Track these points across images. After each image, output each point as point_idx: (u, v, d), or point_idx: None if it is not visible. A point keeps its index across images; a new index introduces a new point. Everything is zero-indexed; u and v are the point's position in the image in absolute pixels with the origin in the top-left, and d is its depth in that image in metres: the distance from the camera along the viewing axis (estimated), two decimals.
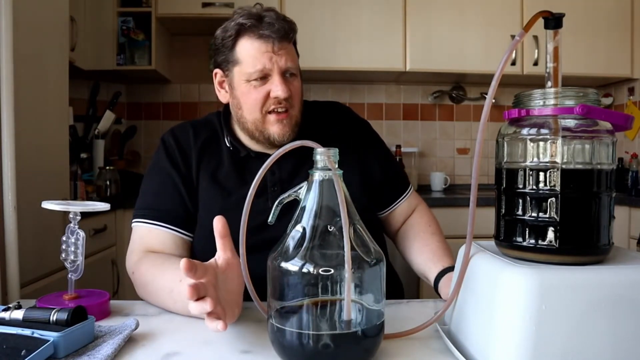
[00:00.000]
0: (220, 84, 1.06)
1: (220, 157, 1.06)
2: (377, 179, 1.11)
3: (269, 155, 1.04)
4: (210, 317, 0.62)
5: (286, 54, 0.98)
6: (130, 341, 0.73)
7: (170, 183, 1.03)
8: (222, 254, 0.70)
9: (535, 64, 2.63)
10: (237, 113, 1.03)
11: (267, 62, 0.96)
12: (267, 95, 0.98)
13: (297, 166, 1.03)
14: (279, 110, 0.99)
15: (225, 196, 1.01)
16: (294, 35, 1.00)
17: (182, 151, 1.05)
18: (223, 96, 1.06)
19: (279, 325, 0.62)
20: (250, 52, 0.97)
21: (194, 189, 1.04)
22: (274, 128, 1.00)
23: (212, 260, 0.70)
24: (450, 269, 0.98)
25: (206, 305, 0.61)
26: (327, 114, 1.15)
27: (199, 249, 1.02)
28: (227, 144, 1.06)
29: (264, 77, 0.97)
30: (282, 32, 0.96)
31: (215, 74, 1.05)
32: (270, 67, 0.96)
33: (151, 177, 1.06)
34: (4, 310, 0.71)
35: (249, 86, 0.98)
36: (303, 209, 0.65)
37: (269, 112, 0.99)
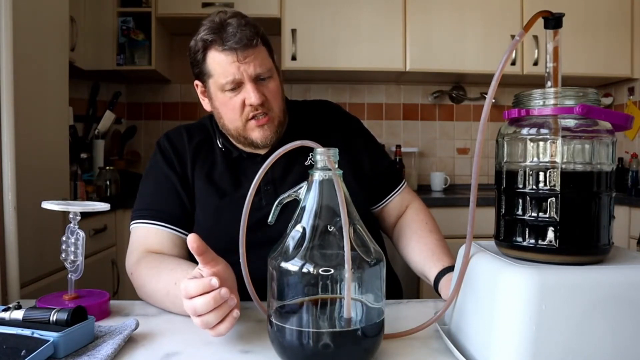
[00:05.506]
0: (202, 93, 1.07)
1: (213, 158, 1.07)
2: (367, 173, 1.12)
3: (260, 156, 1.07)
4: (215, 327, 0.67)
5: (253, 60, 0.97)
6: (130, 341, 0.73)
7: (167, 183, 1.04)
8: (205, 269, 0.70)
9: (535, 63, 2.63)
10: (219, 121, 1.05)
11: (236, 72, 0.96)
12: (244, 103, 0.98)
13: (289, 165, 1.05)
14: (259, 116, 0.99)
15: (220, 196, 1.03)
16: (258, 40, 0.98)
17: (177, 153, 1.07)
18: (207, 105, 1.07)
19: (279, 325, 0.62)
20: (219, 64, 0.97)
21: (191, 188, 1.05)
22: (255, 134, 1.01)
23: (196, 272, 0.71)
24: (450, 268, 0.98)
25: (234, 313, 0.68)
26: (317, 113, 1.16)
27: None
28: (220, 146, 1.08)
29: (237, 87, 0.98)
30: (244, 40, 0.95)
31: (197, 85, 1.07)
32: (240, 76, 0.97)
33: (148, 179, 1.07)
34: (4, 310, 0.71)
35: (224, 96, 0.99)
36: (303, 209, 0.65)
37: (249, 119, 1.00)
